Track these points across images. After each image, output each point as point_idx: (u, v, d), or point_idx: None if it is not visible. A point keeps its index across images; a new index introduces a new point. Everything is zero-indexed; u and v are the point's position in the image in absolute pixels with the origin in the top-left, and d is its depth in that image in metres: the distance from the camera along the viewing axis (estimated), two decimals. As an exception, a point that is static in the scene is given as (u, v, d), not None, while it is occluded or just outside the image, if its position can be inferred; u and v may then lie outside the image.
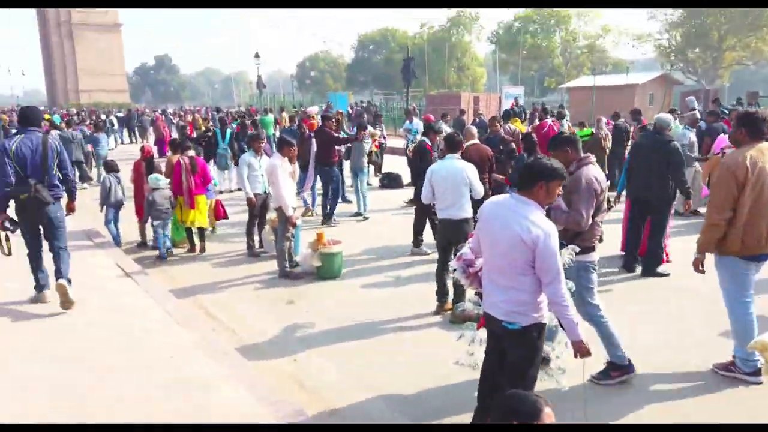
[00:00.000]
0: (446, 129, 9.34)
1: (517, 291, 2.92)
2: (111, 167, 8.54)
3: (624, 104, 23.92)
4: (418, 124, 13.26)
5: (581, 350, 3.00)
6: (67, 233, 5.73)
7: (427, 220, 7.52)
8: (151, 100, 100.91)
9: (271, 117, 19.31)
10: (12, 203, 5.37)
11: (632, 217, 6.79)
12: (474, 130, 8.03)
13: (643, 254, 6.74)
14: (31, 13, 66.70)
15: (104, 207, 8.22)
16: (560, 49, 55.73)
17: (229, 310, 5.88)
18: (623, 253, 7.05)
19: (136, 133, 27.38)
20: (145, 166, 8.30)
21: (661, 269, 6.60)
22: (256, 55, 36.05)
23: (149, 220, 8.02)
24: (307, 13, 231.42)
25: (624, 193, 6.99)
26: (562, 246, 3.35)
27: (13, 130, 18.43)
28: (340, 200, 11.28)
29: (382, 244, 8.21)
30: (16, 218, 5.42)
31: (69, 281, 5.45)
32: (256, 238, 7.95)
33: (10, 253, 5.58)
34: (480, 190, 5.58)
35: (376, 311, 5.68)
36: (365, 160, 10.60)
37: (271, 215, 7.61)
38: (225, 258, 7.83)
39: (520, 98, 30.28)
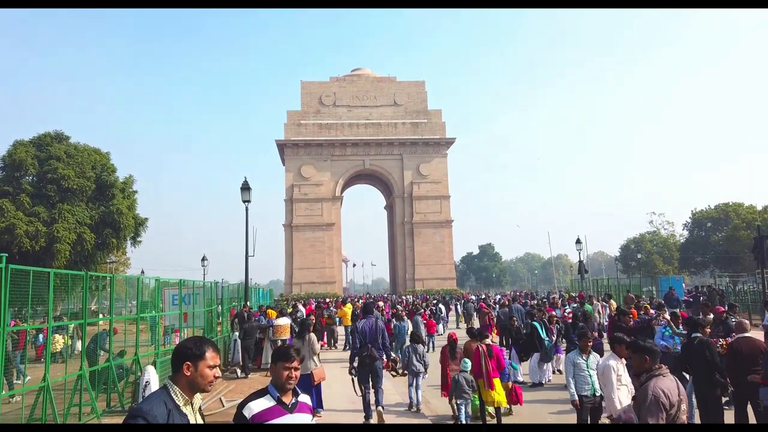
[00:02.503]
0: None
1: None
2: (414, 339, 10.59)
3: None
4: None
5: None
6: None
7: None
8: (474, 285, 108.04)
9: (596, 305, 18.25)
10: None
11: None
12: (746, 323, 7.30)
13: None
14: (384, 217, 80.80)
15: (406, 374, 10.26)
16: None
17: None
18: None
19: (463, 318, 29.36)
20: (449, 350, 9.83)
21: None
22: (578, 241, 36.32)
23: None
24: (632, 197, 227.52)
25: None
26: None
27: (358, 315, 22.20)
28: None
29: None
30: (357, 367, 9.20)
31: (383, 407, 9.06)
32: (587, 447, 6.95)
33: (359, 394, 9.13)
34: None
35: None
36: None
37: (604, 420, 6.62)
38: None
39: None
